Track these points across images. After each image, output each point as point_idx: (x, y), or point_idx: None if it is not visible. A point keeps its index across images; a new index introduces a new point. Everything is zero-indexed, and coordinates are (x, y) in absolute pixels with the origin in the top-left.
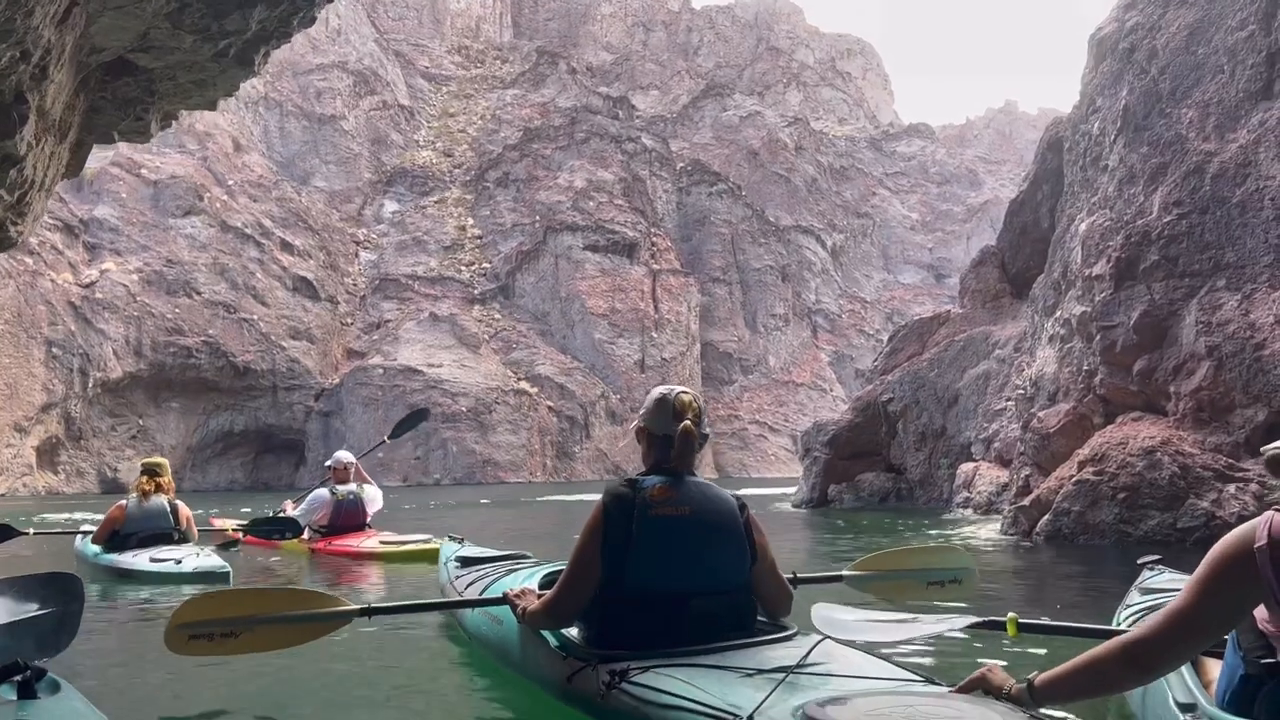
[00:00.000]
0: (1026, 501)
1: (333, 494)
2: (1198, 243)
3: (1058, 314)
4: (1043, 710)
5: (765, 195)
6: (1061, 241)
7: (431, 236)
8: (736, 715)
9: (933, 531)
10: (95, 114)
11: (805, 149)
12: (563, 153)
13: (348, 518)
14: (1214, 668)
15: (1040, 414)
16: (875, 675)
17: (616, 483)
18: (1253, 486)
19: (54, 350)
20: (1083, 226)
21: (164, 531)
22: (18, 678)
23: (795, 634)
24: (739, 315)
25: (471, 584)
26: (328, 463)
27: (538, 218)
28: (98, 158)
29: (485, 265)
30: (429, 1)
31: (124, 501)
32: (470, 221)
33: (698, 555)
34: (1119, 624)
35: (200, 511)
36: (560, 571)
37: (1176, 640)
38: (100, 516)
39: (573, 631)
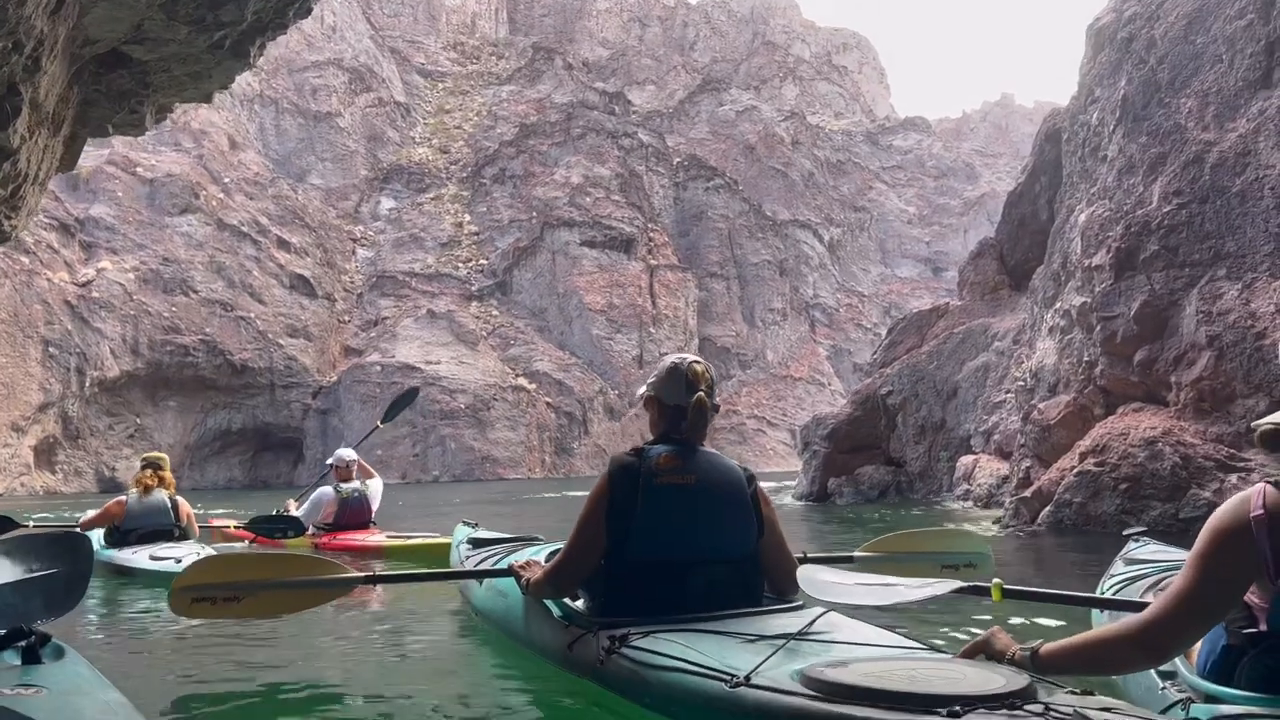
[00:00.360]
0: (1028, 493)
1: (337, 491)
2: (1198, 232)
3: (1057, 305)
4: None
5: (762, 190)
6: (1061, 232)
7: (428, 233)
8: (734, 675)
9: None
10: (89, 107)
11: (802, 143)
12: (559, 149)
13: (352, 515)
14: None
15: (1041, 405)
16: (879, 643)
17: (623, 452)
18: (1254, 476)
19: (51, 350)
20: (1082, 217)
21: (164, 528)
22: (22, 643)
23: (801, 606)
24: (736, 310)
25: (481, 562)
26: (329, 460)
27: (534, 214)
28: (93, 156)
29: (482, 262)
30: None
31: (124, 497)
32: (467, 218)
33: (703, 524)
34: (1103, 593)
35: (200, 510)
36: None
37: (1185, 621)
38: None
39: (578, 603)
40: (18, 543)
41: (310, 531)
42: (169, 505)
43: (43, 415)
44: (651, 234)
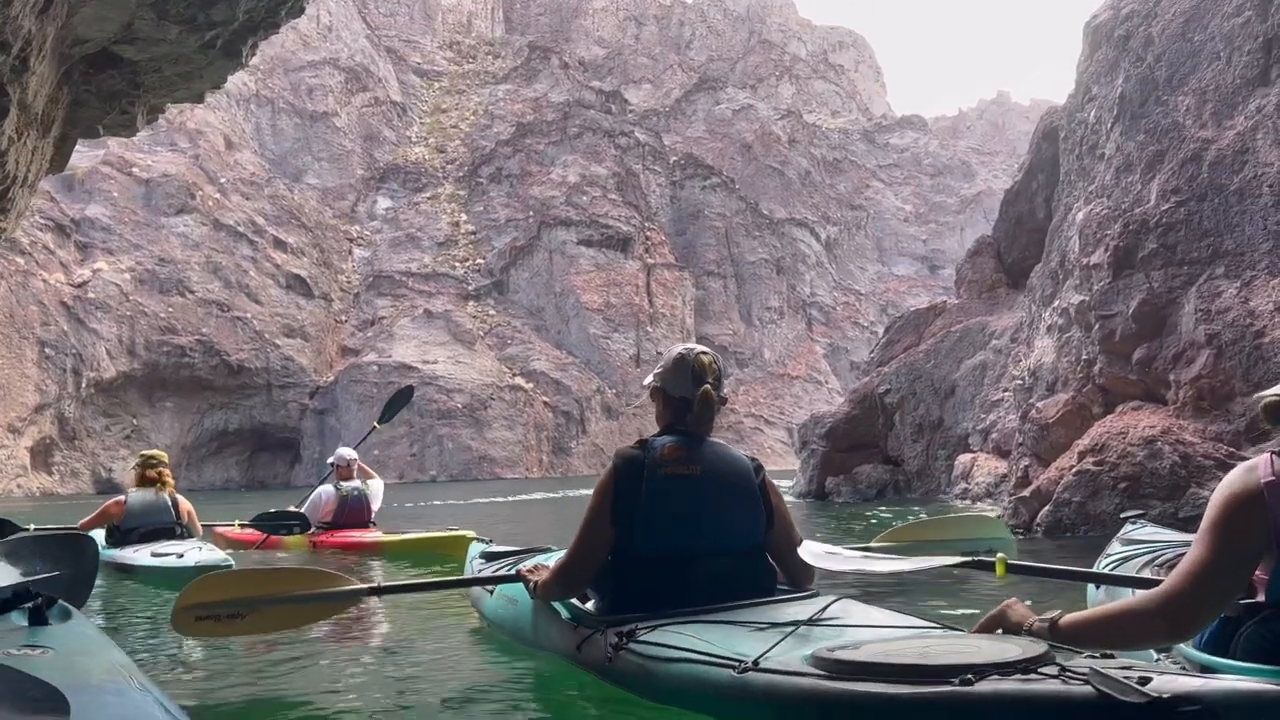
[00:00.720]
0: (1026, 492)
1: (337, 490)
2: (1196, 230)
3: (1055, 303)
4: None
5: (759, 188)
6: (1059, 231)
7: (425, 233)
8: (741, 661)
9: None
10: (79, 107)
11: (798, 142)
12: (556, 148)
13: (352, 514)
14: None
15: (1039, 404)
16: (894, 625)
17: (627, 445)
18: None
19: (47, 350)
20: (1080, 215)
21: (166, 526)
22: (29, 604)
23: (813, 594)
24: (734, 309)
25: (492, 573)
26: (330, 459)
27: (531, 213)
28: (89, 157)
29: (479, 261)
30: None
31: (122, 496)
32: (464, 217)
33: (709, 515)
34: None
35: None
36: None
37: (1203, 591)
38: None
39: (587, 604)
40: (26, 543)
41: (310, 530)
42: (169, 503)
43: (39, 416)
44: (648, 233)
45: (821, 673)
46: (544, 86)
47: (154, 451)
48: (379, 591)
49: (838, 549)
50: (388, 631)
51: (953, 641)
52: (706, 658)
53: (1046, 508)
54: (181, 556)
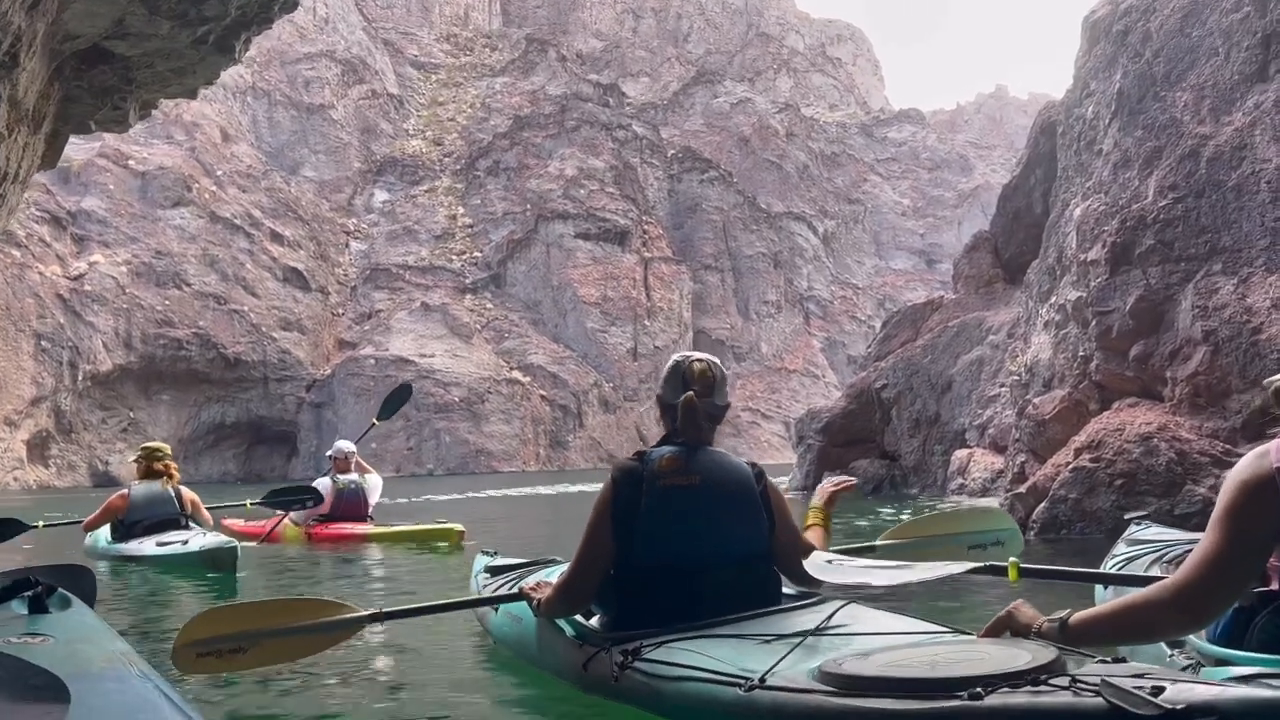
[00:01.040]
0: (1022, 489)
1: (334, 483)
2: (1193, 227)
3: (1052, 299)
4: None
5: (756, 182)
6: (1056, 226)
7: (422, 226)
8: (749, 678)
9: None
10: (71, 103)
11: (796, 135)
12: (553, 141)
13: (348, 508)
14: None
15: (1035, 400)
16: (901, 630)
17: (625, 457)
18: None
19: (43, 343)
20: (1077, 211)
21: (170, 518)
22: (29, 593)
23: (819, 601)
24: (731, 302)
25: (497, 589)
26: (329, 453)
27: (529, 206)
28: (84, 149)
29: (476, 254)
30: None
31: (126, 490)
32: (461, 210)
33: (710, 526)
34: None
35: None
36: None
37: (1216, 579)
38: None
39: (592, 621)
40: (16, 579)
41: (307, 523)
42: (173, 495)
43: (35, 409)
44: (646, 226)
45: (828, 689)
46: (541, 79)
47: (157, 444)
48: (381, 618)
49: (844, 558)
50: (391, 644)
51: (961, 648)
52: (713, 675)
53: (1043, 504)
54: (186, 544)
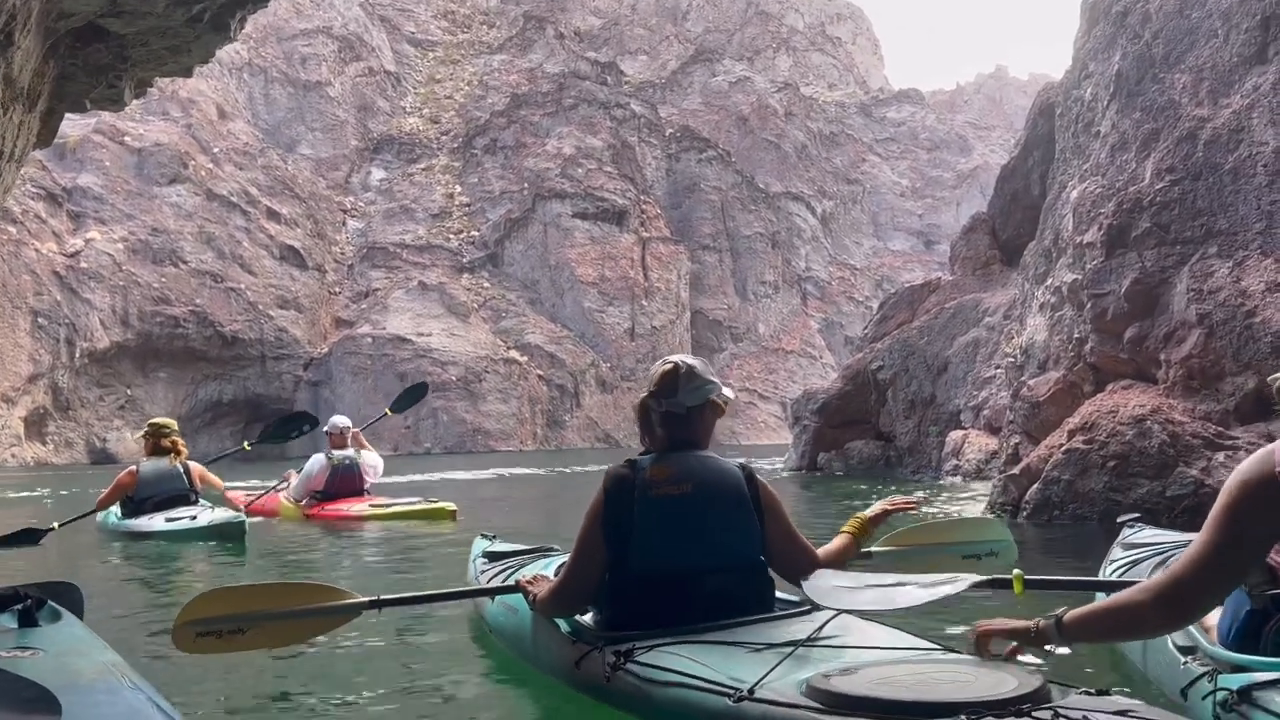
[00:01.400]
0: (1016, 470)
1: (329, 459)
2: (1190, 210)
3: (1048, 282)
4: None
5: (755, 162)
6: (1053, 208)
7: (419, 204)
8: (737, 689)
9: (929, 510)
10: (66, 82)
11: (795, 115)
12: (551, 119)
13: (344, 483)
14: (1213, 613)
15: (1030, 382)
16: (891, 645)
17: (616, 464)
18: (1241, 454)
19: (40, 320)
20: (1074, 193)
21: (180, 494)
22: (18, 606)
23: (812, 609)
24: (729, 283)
25: (494, 578)
26: (324, 428)
27: (526, 185)
28: (80, 125)
29: (474, 233)
30: None
31: (134, 467)
32: (458, 189)
33: (703, 533)
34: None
35: None
36: None
37: (1207, 577)
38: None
39: (586, 618)
40: (4, 593)
41: (303, 502)
42: (181, 470)
43: (33, 386)
44: (644, 206)
45: (815, 704)
46: (539, 57)
47: (163, 420)
48: (380, 605)
49: (847, 576)
50: (387, 630)
51: (949, 669)
52: (702, 683)
53: (1035, 485)
54: (195, 518)
